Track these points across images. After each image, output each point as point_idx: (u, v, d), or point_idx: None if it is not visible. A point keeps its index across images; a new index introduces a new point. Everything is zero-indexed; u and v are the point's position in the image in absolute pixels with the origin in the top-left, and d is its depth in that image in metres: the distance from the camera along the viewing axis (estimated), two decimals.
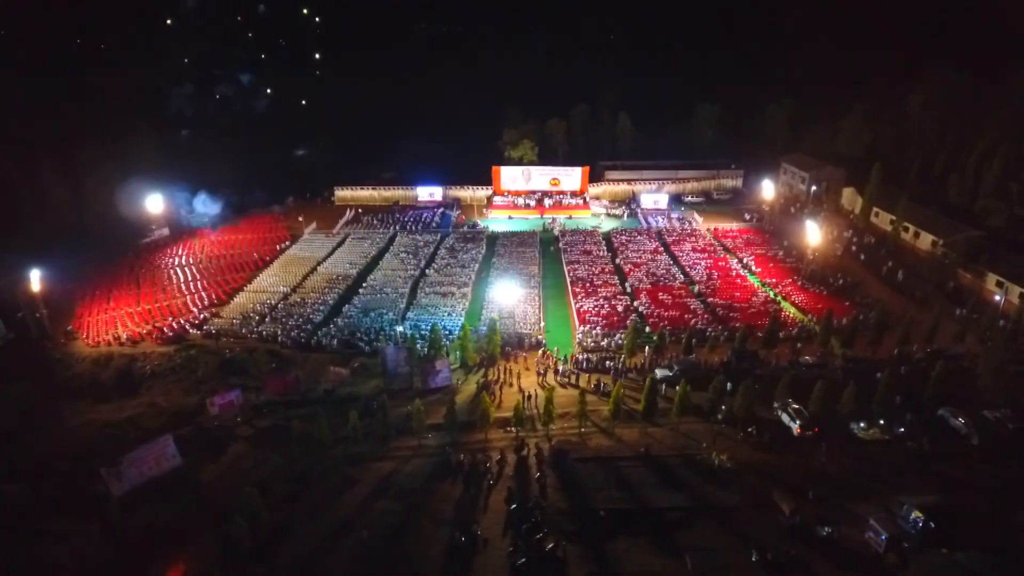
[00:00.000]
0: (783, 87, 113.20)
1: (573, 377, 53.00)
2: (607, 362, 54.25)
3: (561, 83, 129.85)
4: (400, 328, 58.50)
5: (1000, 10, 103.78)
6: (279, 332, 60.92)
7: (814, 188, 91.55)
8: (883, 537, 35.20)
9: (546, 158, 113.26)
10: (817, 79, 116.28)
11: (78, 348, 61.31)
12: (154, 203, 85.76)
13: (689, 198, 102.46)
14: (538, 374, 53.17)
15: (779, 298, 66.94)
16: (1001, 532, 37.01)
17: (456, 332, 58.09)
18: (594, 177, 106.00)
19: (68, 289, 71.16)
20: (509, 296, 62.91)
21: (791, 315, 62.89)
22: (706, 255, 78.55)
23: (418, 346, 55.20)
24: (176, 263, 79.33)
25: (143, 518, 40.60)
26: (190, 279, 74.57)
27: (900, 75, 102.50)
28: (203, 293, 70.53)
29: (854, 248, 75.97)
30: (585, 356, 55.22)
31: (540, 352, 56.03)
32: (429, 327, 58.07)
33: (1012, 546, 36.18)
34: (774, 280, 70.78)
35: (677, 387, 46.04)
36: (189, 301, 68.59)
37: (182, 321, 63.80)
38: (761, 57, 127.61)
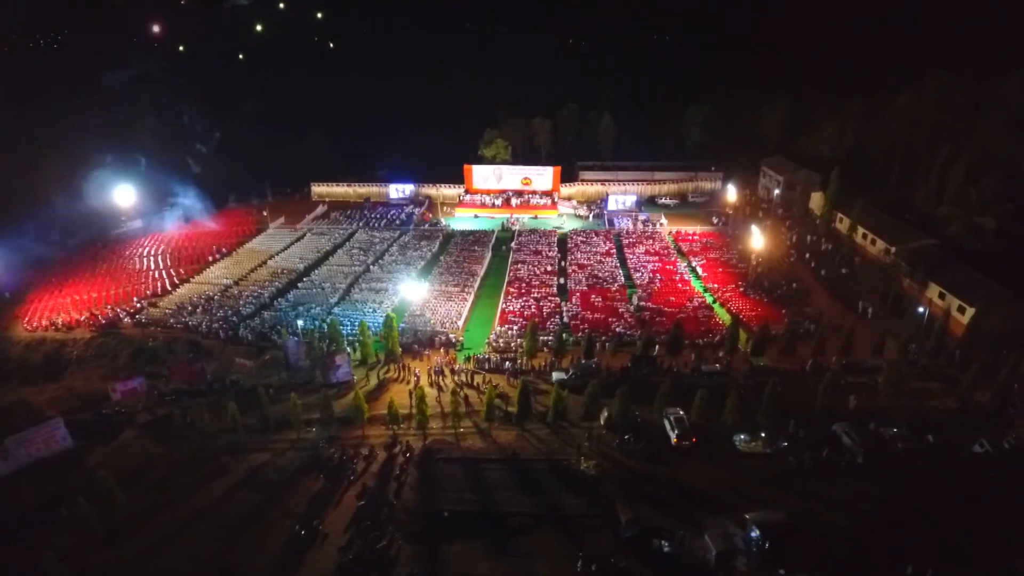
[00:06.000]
0: (778, 88, 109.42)
1: (468, 376, 52.49)
2: (506, 363, 53.53)
3: (553, 83, 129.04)
4: (300, 322, 59.00)
5: (1001, 11, 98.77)
6: (203, 323, 62.20)
7: (776, 192, 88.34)
8: (712, 554, 33.83)
9: (530, 157, 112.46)
10: (814, 81, 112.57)
11: (16, 332, 63.92)
12: (124, 195, 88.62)
13: (663, 200, 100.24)
14: (435, 372, 52.82)
15: (716, 304, 65.02)
16: (858, 555, 35.07)
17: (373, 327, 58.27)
18: (571, 177, 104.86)
19: (26, 276, 74.25)
20: (415, 294, 62.95)
21: (721, 321, 60.97)
22: (657, 258, 76.73)
23: (323, 342, 55.56)
24: (139, 254, 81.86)
25: (20, 498, 42.21)
26: (145, 270, 76.84)
27: (895, 77, 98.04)
28: (150, 283, 72.44)
29: (807, 255, 72.98)
30: (487, 356, 54.66)
31: (442, 351, 55.70)
32: (358, 322, 58.56)
33: (866, 571, 34.27)
34: (716, 285, 68.72)
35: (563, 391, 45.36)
36: (132, 291, 70.50)
37: (117, 310, 65.64)
38: (756, 58, 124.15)
